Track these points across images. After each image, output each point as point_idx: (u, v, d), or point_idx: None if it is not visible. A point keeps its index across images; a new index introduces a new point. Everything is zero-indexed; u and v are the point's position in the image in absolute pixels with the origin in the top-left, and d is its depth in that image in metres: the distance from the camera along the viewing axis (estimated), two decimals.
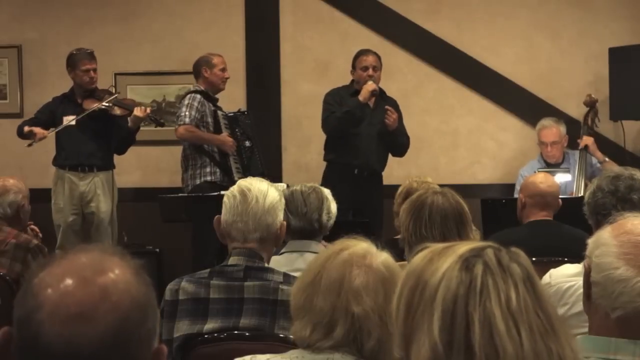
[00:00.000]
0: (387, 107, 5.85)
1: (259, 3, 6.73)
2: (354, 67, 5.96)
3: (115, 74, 6.61)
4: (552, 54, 6.64)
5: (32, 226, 4.59)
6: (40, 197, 5.49)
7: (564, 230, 3.78)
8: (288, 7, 6.71)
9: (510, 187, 6.13)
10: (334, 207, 3.35)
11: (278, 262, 3.11)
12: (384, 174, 6.07)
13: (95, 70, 5.93)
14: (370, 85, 5.80)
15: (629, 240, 1.68)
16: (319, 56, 6.67)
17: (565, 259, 3.20)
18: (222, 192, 3.51)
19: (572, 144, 6.10)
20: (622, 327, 1.64)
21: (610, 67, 6.16)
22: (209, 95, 5.91)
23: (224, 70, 5.96)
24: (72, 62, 5.93)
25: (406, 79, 6.66)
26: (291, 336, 2.02)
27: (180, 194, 5.60)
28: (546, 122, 6.08)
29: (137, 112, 5.79)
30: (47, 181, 6.06)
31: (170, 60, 6.66)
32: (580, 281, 1.85)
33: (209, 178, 5.77)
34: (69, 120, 5.83)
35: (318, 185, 3.45)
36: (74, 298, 1.14)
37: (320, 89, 6.16)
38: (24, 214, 4.28)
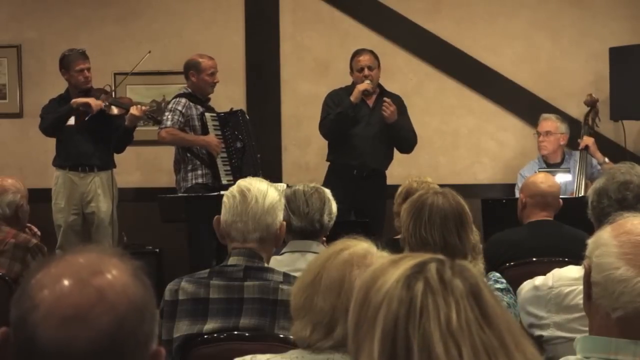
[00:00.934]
0: (384, 99, 5.82)
1: (259, 2, 6.73)
2: (351, 68, 5.95)
3: (115, 74, 6.61)
4: (553, 54, 6.64)
5: (30, 225, 4.58)
6: (40, 197, 5.49)
7: (565, 230, 3.77)
8: (288, 6, 6.70)
9: (511, 187, 6.12)
10: (334, 207, 3.35)
11: (279, 262, 3.11)
12: None
13: (89, 69, 5.92)
14: (362, 85, 5.80)
15: (629, 240, 1.68)
16: (318, 56, 6.67)
17: (566, 259, 3.19)
18: (222, 192, 3.50)
19: (573, 144, 6.09)
20: (622, 327, 1.64)
21: (610, 66, 6.16)
22: (197, 97, 5.84)
23: (212, 74, 5.85)
24: (66, 63, 5.92)
25: (406, 79, 6.66)
26: (291, 336, 2.02)
27: (180, 194, 5.60)
28: (546, 115, 6.08)
29: (134, 110, 5.78)
30: (46, 181, 6.06)
31: (170, 60, 6.66)
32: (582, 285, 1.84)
33: (200, 180, 5.74)
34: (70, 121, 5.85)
35: (320, 185, 3.45)
36: (70, 299, 1.14)
37: (320, 89, 6.16)
38: (22, 214, 4.28)
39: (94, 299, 1.14)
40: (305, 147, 6.65)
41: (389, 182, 5.86)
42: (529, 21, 6.64)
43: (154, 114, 6.12)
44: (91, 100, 5.74)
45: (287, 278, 2.66)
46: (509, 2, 6.67)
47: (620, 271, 1.64)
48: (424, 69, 6.69)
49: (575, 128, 6.13)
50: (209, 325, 2.62)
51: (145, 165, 6.75)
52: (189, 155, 5.77)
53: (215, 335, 2.60)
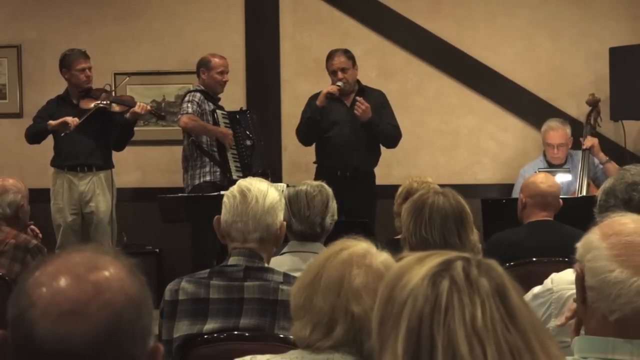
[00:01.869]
0: (356, 97, 5.78)
1: (259, 2, 6.73)
2: (327, 70, 5.93)
3: (115, 74, 6.61)
4: (553, 54, 6.64)
5: (32, 226, 4.59)
6: (39, 197, 5.49)
7: (565, 230, 3.77)
8: (288, 6, 6.70)
9: (511, 187, 6.12)
10: (336, 207, 3.34)
11: (280, 262, 3.10)
12: (383, 174, 6.06)
13: (90, 69, 5.93)
14: (327, 88, 5.79)
15: (619, 241, 1.66)
16: (318, 56, 6.65)
17: (566, 259, 3.19)
18: (222, 192, 3.50)
19: (574, 143, 6.09)
20: (620, 328, 1.63)
21: (610, 66, 6.15)
22: (209, 94, 5.91)
23: (222, 73, 5.92)
24: (67, 62, 5.92)
25: (406, 79, 6.66)
26: (291, 336, 2.01)
27: (180, 194, 5.59)
28: (553, 123, 6.05)
29: (137, 108, 5.78)
30: (46, 181, 6.06)
31: (170, 60, 6.66)
32: None
33: (208, 178, 5.76)
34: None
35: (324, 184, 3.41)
36: (67, 295, 1.14)
37: (320, 89, 6.16)
38: (23, 214, 4.28)
39: (91, 294, 1.15)
40: (304, 147, 6.64)
41: (389, 182, 5.84)
42: (529, 21, 6.64)
43: (156, 110, 6.13)
44: (68, 118, 5.71)
45: (287, 278, 2.66)
46: (509, 2, 6.67)
47: (615, 274, 1.63)
48: (424, 69, 6.68)
49: (575, 128, 6.13)
50: (209, 326, 2.61)
51: (144, 165, 6.75)
52: (198, 152, 5.79)
53: (215, 335, 2.60)
